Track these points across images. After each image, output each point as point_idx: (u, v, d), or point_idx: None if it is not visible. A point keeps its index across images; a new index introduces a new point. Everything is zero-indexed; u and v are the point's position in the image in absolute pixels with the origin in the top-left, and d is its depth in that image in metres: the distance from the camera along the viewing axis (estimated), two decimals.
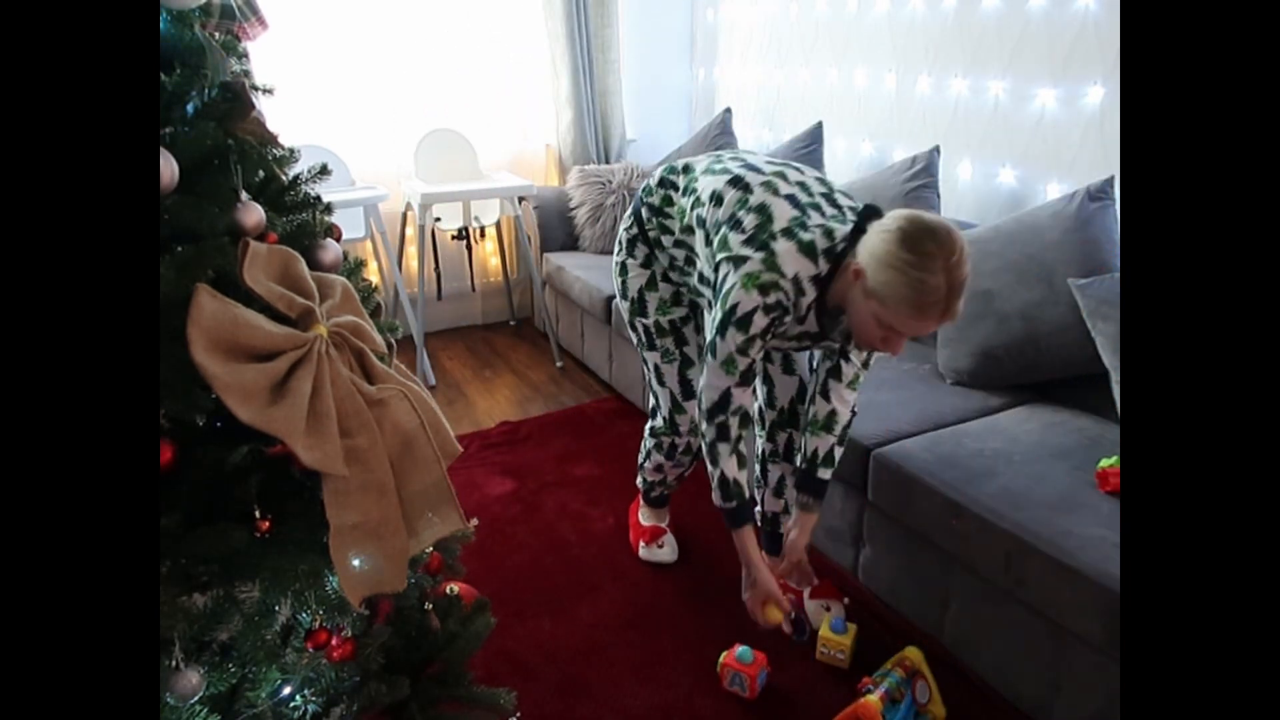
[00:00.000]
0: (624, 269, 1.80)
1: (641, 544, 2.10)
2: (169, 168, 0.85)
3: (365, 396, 0.95)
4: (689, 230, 1.63)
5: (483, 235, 3.75)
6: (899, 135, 2.78)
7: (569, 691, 1.67)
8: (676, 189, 1.68)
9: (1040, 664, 1.54)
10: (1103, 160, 2.13)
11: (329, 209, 1.14)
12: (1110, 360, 1.77)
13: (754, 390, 1.64)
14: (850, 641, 1.72)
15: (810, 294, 1.46)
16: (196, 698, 0.89)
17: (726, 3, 3.58)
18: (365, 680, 1.08)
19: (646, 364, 1.85)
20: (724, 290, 1.48)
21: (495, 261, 3.84)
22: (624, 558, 2.09)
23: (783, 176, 1.54)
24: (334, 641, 1.02)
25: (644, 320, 1.80)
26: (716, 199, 1.56)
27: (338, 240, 1.12)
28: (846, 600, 1.86)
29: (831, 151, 3.02)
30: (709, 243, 1.56)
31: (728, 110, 3.34)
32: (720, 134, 3.26)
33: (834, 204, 1.51)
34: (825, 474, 1.73)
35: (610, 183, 3.40)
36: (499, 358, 3.48)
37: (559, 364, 3.37)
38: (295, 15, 3.06)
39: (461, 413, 2.95)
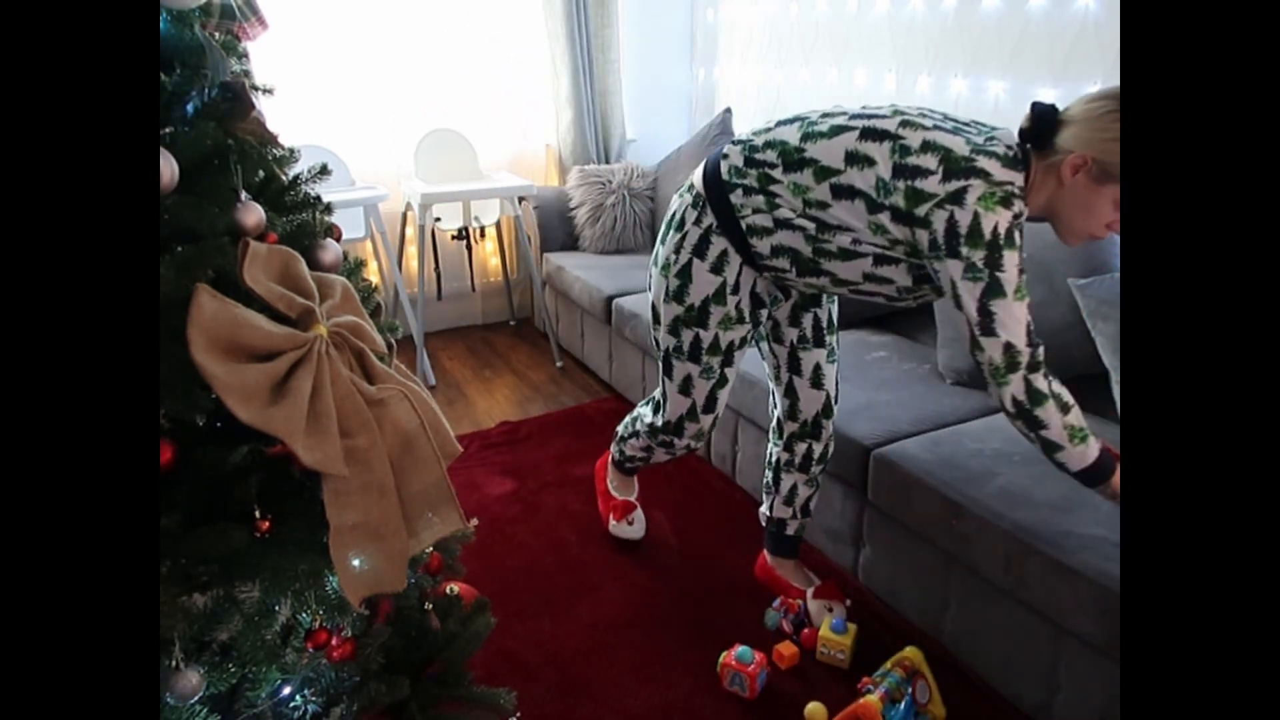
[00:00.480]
0: (685, 272, 1.60)
1: (612, 519, 2.10)
2: (169, 168, 0.85)
3: (365, 396, 0.95)
4: (820, 205, 1.46)
5: (483, 235, 3.75)
6: None
7: (569, 691, 1.67)
8: (773, 165, 1.49)
9: (1040, 664, 1.54)
10: None
11: (329, 209, 1.14)
12: (1110, 360, 1.77)
13: None
14: (850, 641, 1.72)
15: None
16: (196, 698, 0.89)
17: (726, 3, 3.58)
18: (365, 680, 1.08)
19: (672, 371, 1.71)
20: (965, 231, 1.33)
21: (495, 261, 3.84)
22: (624, 558, 2.09)
23: (901, 113, 1.44)
24: (334, 641, 1.02)
25: (701, 330, 1.63)
26: (862, 160, 1.41)
27: (338, 240, 1.12)
28: (849, 602, 1.86)
29: None
30: (877, 209, 1.41)
31: (728, 110, 3.34)
32: (720, 134, 3.26)
33: (957, 121, 1.44)
34: None
35: (610, 183, 3.40)
36: (499, 358, 3.48)
37: (559, 364, 3.37)
38: (295, 15, 3.06)
39: (461, 413, 2.95)
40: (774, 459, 1.89)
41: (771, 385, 1.85)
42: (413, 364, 3.17)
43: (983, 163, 1.34)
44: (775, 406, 1.86)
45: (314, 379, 0.89)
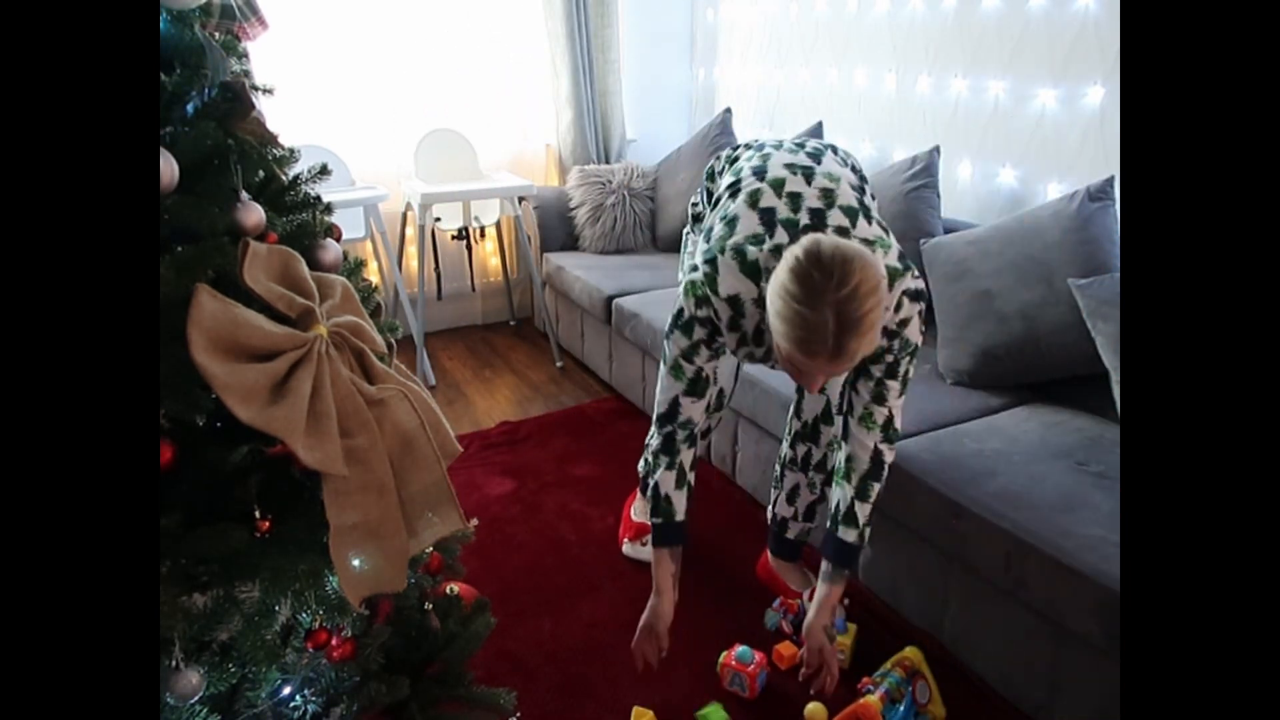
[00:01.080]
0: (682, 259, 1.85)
1: (626, 540, 2.10)
2: (169, 168, 0.85)
3: (365, 396, 0.95)
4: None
5: (483, 235, 3.75)
6: (899, 135, 2.78)
7: (569, 691, 1.67)
8: (708, 196, 1.67)
9: (1040, 664, 1.54)
10: (1103, 160, 2.13)
11: (329, 209, 1.14)
12: (1110, 360, 1.77)
13: (706, 406, 1.57)
14: (850, 641, 1.72)
15: (754, 317, 1.38)
16: (196, 698, 0.89)
17: (726, 3, 3.58)
18: (365, 680, 1.08)
19: (666, 351, 1.81)
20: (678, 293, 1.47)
21: (495, 261, 3.84)
22: (624, 558, 2.09)
23: (779, 184, 1.44)
24: (334, 641, 1.02)
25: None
26: (717, 201, 1.55)
27: (338, 240, 1.12)
28: (846, 601, 1.86)
29: None
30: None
31: (728, 110, 3.34)
32: (720, 134, 3.26)
33: (822, 219, 1.39)
34: (847, 535, 1.51)
35: (610, 183, 3.40)
36: (499, 358, 3.48)
37: (559, 364, 3.37)
38: (295, 15, 3.06)
39: (461, 413, 2.94)
40: (782, 455, 1.91)
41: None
42: (413, 364, 3.17)
43: (723, 260, 1.39)
44: (791, 406, 1.88)
45: (314, 379, 0.89)
